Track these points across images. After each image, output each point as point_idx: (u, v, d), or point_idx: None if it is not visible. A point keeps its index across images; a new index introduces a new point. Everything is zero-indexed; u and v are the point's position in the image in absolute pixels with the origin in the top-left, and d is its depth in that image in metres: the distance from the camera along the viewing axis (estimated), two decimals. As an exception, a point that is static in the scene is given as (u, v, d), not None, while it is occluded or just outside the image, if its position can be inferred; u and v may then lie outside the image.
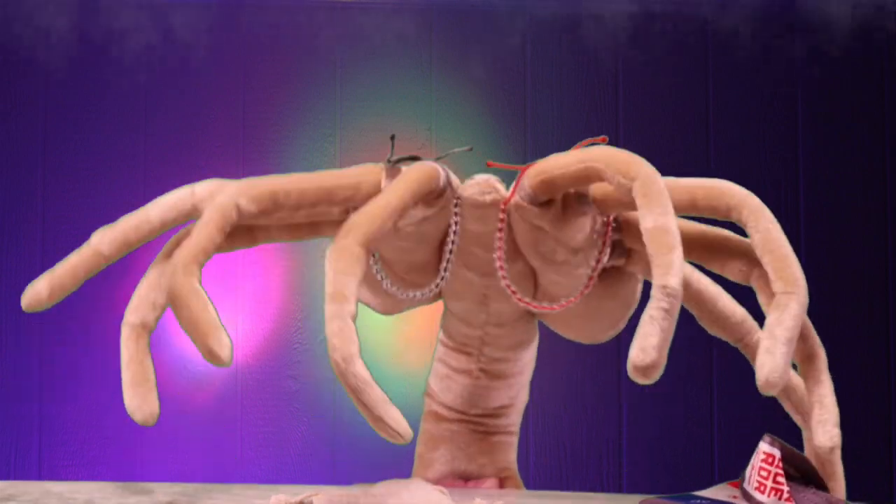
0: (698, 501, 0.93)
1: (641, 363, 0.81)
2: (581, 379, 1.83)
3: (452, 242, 0.99)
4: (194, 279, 0.89)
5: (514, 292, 0.98)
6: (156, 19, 1.87)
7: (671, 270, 0.82)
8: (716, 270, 0.98)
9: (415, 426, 1.19)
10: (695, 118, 1.88)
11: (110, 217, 1.84)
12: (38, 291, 0.97)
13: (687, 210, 0.93)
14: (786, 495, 0.88)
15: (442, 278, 1.00)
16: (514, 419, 1.18)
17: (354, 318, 0.85)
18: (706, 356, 1.81)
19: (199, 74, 1.87)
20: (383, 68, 1.88)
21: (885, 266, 1.87)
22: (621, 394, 1.82)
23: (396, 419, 0.83)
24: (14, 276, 1.83)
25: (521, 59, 1.89)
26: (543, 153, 1.94)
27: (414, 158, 0.98)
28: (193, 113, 1.87)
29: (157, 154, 1.86)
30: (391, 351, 1.81)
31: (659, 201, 0.86)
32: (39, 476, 1.78)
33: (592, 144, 0.97)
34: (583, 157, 0.93)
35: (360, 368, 0.82)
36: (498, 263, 0.97)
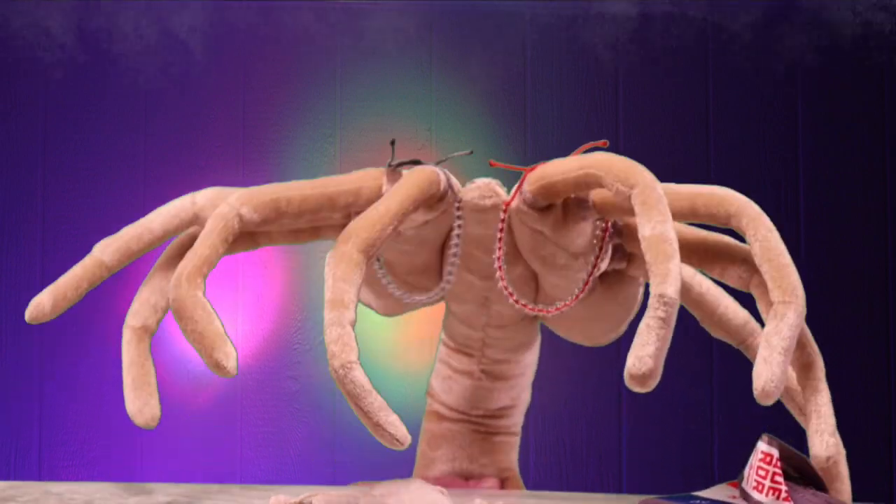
0: (698, 501, 0.93)
1: (638, 372, 0.81)
2: (581, 378, 1.83)
3: (456, 246, 0.99)
4: (199, 291, 0.89)
5: (510, 294, 0.98)
6: (156, 19, 1.87)
7: (668, 279, 0.82)
8: (715, 276, 0.98)
9: (416, 426, 1.20)
10: (695, 118, 1.88)
11: (110, 217, 1.84)
12: (42, 304, 0.97)
13: (687, 217, 0.93)
14: (784, 495, 0.88)
15: (447, 282, 1.00)
16: (516, 419, 1.18)
17: (353, 325, 0.85)
18: (706, 356, 1.81)
19: (199, 74, 1.87)
20: (383, 68, 1.88)
21: (885, 266, 1.87)
22: (621, 393, 1.82)
23: (395, 425, 0.83)
24: (14, 276, 1.83)
25: (521, 59, 1.89)
26: (543, 153, 1.94)
27: (415, 162, 0.98)
28: (193, 113, 1.87)
29: (157, 154, 1.86)
30: (392, 351, 1.81)
31: (657, 209, 0.86)
32: (39, 476, 1.78)
33: (594, 149, 0.97)
34: (583, 163, 0.93)
35: (358, 375, 0.82)
36: (497, 265, 0.97)
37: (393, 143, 1.01)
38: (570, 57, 1.89)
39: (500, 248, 0.97)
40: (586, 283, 0.98)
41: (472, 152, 1.05)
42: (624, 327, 1.05)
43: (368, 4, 1.88)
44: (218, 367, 0.87)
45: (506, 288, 0.97)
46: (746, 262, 0.92)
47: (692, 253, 0.97)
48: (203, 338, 0.87)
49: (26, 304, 0.92)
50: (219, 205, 0.96)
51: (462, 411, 1.15)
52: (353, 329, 0.84)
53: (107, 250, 0.98)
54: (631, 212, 0.89)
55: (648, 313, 0.82)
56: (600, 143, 0.99)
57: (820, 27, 1.89)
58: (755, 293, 0.93)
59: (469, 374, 1.12)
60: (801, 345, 0.89)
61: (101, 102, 1.86)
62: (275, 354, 1.82)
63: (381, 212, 0.90)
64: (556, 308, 0.99)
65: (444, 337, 1.15)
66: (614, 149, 1.96)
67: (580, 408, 1.83)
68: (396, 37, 1.88)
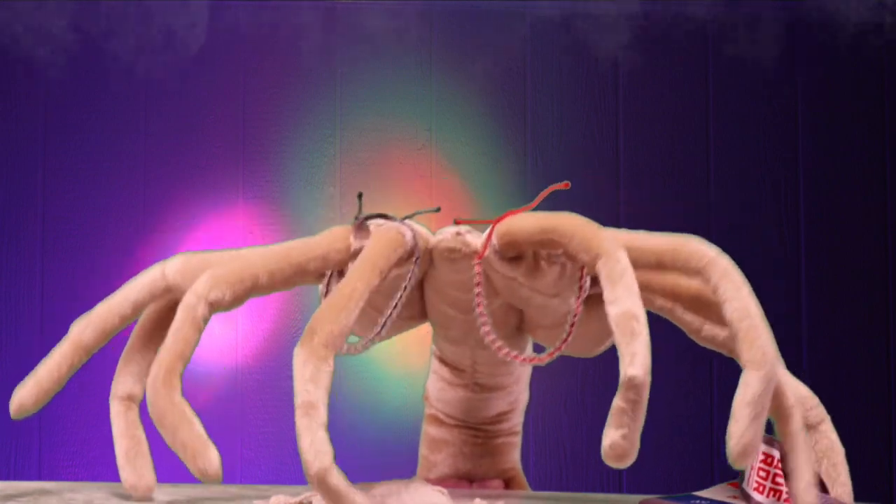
0: (698, 501, 0.93)
1: (613, 455, 0.82)
2: (581, 379, 1.83)
3: (399, 298, 0.97)
4: (175, 394, 0.89)
5: (499, 349, 0.97)
6: (156, 19, 1.87)
7: (636, 360, 0.82)
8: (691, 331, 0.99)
9: (418, 425, 1.20)
10: (695, 118, 1.88)
11: (110, 217, 1.84)
12: (23, 402, 0.97)
13: (654, 270, 0.92)
14: (784, 496, 0.88)
15: (382, 327, 0.99)
16: (516, 420, 1.18)
17: (325, 427, 0.84)
18: (706, 356, 1.81)
19: (199, 74, 1.87)
20: (383, 68, 1.88)
21: (885, 266, 1.87)
22: (621, 394, 1.82)
23: None
24: (14, 276, 1.83)
25: (521, 59, 1.89)
26: (543, 153, 1.94)
27: (382, 216, 0.97)
28: (193, 113, 1.87)
29: (157, 154, 1.86)
30: (391, 352, 1.81)
31: (622, 283, 0.85)
32: (39, 476, 1.78)
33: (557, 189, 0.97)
34: (545, 226, 0.92)
35: (335, 480, 0.82)
36: (481, 320, 0.96)
37: (360, 196, 1.00)
38: (570, 57, 1.89)
39: (480, 305, 0.95)
40: (572, 325, 0.97)
41: (439, 209, 1.04)
42: (610, 341, 1.04)
43: (368, 4, 1.88)
44: (203, 474, 0.87)
45: (493, 342, 0.96)
46: (717, 314, 0.90)
47: (672, 302, 0.97)
48: (185, 447, 0.87)
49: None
50: (188, 276, 0.94)
51: (460, 419, 1.15)
52: (326, 431, 0.84)
53: (85, 332, 0.97)
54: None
55: (620, 395, 0.82)
56: (562, 185, 0.98)
57: (820, 27, 1.89)
58: (728, 346, 0.93)
59: (463, 386, 1.12)
60: (776, 398, 0.88)
61: (101, 102, 1.86)
62: (275, 354, 1.82)
63: (346, 295, 0.88)
64: (549, 355, 0.98)
65: (435, 349, 1.14)
66: (614, 149, 1.96)
67: (580, 409, 1.83)
68: (396, 37, 1.88)
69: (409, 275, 0.96)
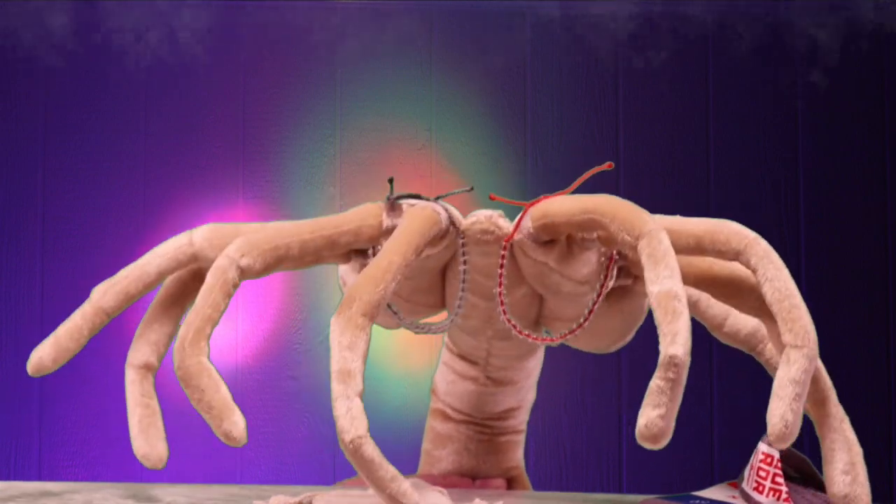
0: (698, 501, 0.93)
1: (649, 433, 0.81)
2: (581, 379, 1.83)
3: (464, 282, 0.97)
4: (203, 357, 0.88)
5: (514, 326, 0.97)
6: (156, 19, 1.87)
7: (678, 339, 0.82)
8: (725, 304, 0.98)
9: (419, 424, 1.20)
10: (695, 118, 1.88)
11: (110, 217, 1.84)
12: (42, 359, 0.97)
13: (692, 254, 0.92)
14: (784, 496, 0.88)
15: (456, 315, 0.99)
16: (522, 418, 1.18)
17: (361, 395, 0.84)
18: (706, 356, 1.81)
19: (199, 74, 1.87)
20: (383, 68, 1.88)
21: (885, 266, 1.87)
22: (621, 394, 1.82)
23: (408, 496, 0.83)
24: (14, 276, 1.83)
25: (521, 59, 1.89)
26: (543, 153, 1.94)
27: (415, 196, 0.97)
28: (193, 113, 1.87)
29: (157, 154, 1.86)
30: (393, 351, 1.81)
31: (664, 262, 0.85)
32: (39, 476, 1.78)
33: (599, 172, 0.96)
34: (586, 206, 0.91)
35: (369, 450, 0.82)
36: (499, 299, 0.96)
37: (391, 180, 0.99)
38: (570, 57, 1.89)
39: (501, 284, 0.95)
40: (591, 311, 0.97)
41: (472, 188, 1.04)
42: (629, 337, 1.04)
43: (368, 4, 1.88)
44: (227, 437, 0.86)
45: (508, 321, 0.96)
46: (758, 298, 0.90)
47: (704, 288, 0.96)
48: (211, 408, 0.87)
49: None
50: (216, 244, 0.94)
51: (467, 413, 1.15)
52: (362, 399, 0.84)
53: (106, 296, 0.97)
54: (636, 257, 0.88)
55: (658, 374, 0.81)
56: (605, 166, 0.98)
57: (820, 27, 1.89)
58: (767, 328, 0.92)
59: (474, 379, 1.12)
60: (814, 381, 0.89)
61: (101, 103, 1.86)
62: (275, 354, 1.82)
63: (383, 267, 0.88)
64: (562, 336, 0.98)
65: (448, 341, 1.14)
66: (614, 149, 1.96)
67: (580, 408, 1.83)
68: (396, 37, 1.88)
69: (462, 255, 0.96)
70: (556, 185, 1.83)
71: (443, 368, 1.15)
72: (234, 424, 0.86)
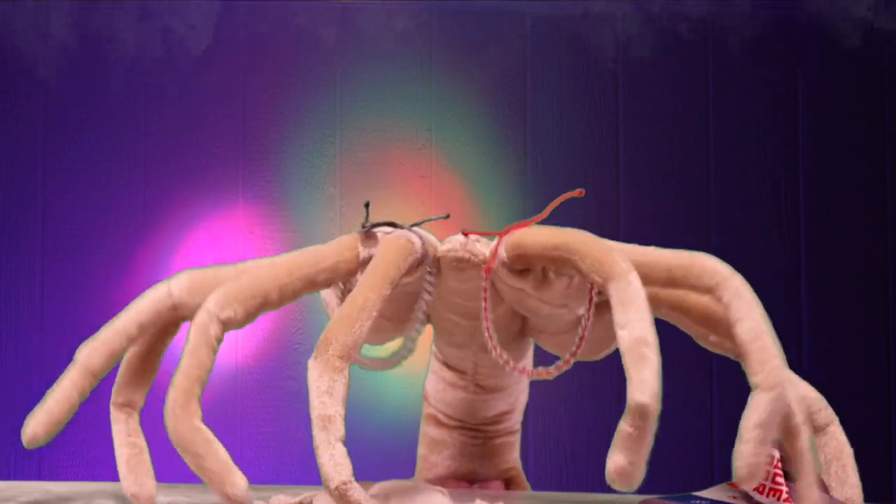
0: (698, 501, 0.93)
1: (619, 479, 0.84)
2: (580, 379, 1.83)
3: (422, 311, 0.97)
4: (196, 420, 0.88)
5: (507, 361, 0.97)
6: (156, 19, 1.87)
7: (645, 387, 0.82)
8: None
9: (415, 427, 1.19)
10: (695, 118, 1.88)
11: (110, 217, 1.84)
12: (37, 433, 0.96)
13: (664, 287, 0.92)
14: (784, 496, 0.88)
15: (407, 349, 0.99)
16: (516, 419, 1.17)
17: (343, 441, 0.83)
18: (706, 356, 1.81)
19: (199, 74, 1.87)
20: (383, 68, 1.88)
21: (885, 266, 1.87)
22: (621, 394, 1.82)
23: None
24: (14, 276, 1.83)
25: (521, 59, 1.89)
26: (543, 153, 1.94)
27: (389, 224, 0.97)
28: (193, 113, 1.87)
29: (157, 154, 1.86)
30: (391, 350, 1.81)
31: (634, 307, 0.85)
32: (39, 476, 1.78)
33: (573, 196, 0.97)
34: (558, 241, 0.91)
35: (355, 495, 0.82)
36: (487, 334, 0.95)
37: (367, 205, 0.99)
38: (570, 57, 1.89)
39: (486, 319, 0.95)
40: (581, 339, 0.96)
41: (448, 216, 1.03)
42: (615, 345, 1.04)
43: (368, 4, 1.88)
44: (228, 498, 0.86)
45: (501, 356, 0.96)
46: (729, 330, 0.89)
47: (678, 317, 0.97)
48: (211, 473, 0.86)
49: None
50: (196, 293, 0.93)
51: (459, 419, 1.14)
52: (344, 444, 0.84)
53: (92, 358, 0.96)
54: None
55: (627, 420, 0.82)
56: (575, 193, 0.97)
57: (820, 27, 1.89)
58: (736, 351, 0.92)
59: (463, 388, 1.12)
60: (784, 417, 0.88)
61: (101, 102, 1.86)
62: (275, 354, 1.82)
63: (358, 305, 0.88)
64: (557, 368, 0.98)
65: (436, 350, 1.14)
66: (614, 149, 1.96)
67: (580, 409, 1.83)
68: (396, 37, 1.88)
69: (428, 285, 0.96)
70: (556, 185, 1.84)
71: (432, 376, 1.15)
72: (235, 486, 0.86)
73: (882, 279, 1.87)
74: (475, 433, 1.15)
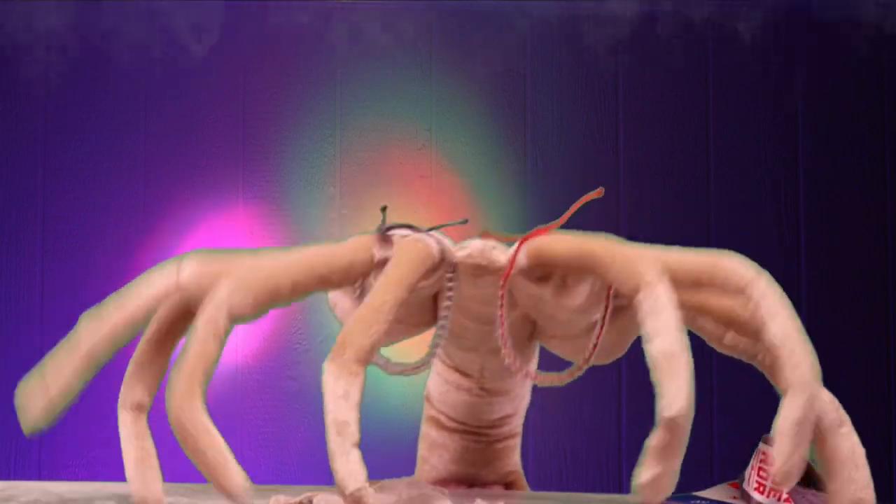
0: (698, 501, 0.93)
1: (650, 492, 0.80)
2: (581, 379, 1.83)
3: (444, 318, 0.96)
4: (198, 409, 0.85)
5: (519, 369, 0.96)
6: (155, 19, 1.87)
7: (677, 400, 0.81)
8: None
9: (416, 427, 1.19)
10: (695, 118, 1.88)
11: (110, 217, 1.84)
12: (38, 422, 0.95)
13: (690, 290, 0.89)
14: (785, 496, 0.88)
15: (431, 355, 0.98)
16: (518, 422, 1.17)
17: (358, 445, 0.83)
18: (706, 357, 1.81)
19: (199, 74, 1.87)
20: (383, 68, 1.88)
21: (885, 266, 1.87)
22: (621, 394, 1.82)
23: None
24: (14, 276, 1.83)
25: (521, 59, 1.89)
26: (543, 153, 1.94)
27: (407, 227, 0.95)
28: (193, 113, 1.87)
29: (157, 154, 1.86)
30: (391, 351, 1.81)
31: (664, 317, 0.83)
32: (39, 476, 1.78)
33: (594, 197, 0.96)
34: (586, 248, 0.89)
35: (371, 501, 0.81)
36: (501, 341, 0.94)
37: (384, 209, 0.97)
38: (570, 57, 1.89)
39: (502, 326, 0.93)
40: (594, 346, 0.95)
41: (466, 221, 1.01)
42: (623, 351, 1.03)
43: (368, 4, 1.88)
44: (224, 490, 0.84)
45: (514, 363, 0.95)
46: (756, 330, 0.88)
47: (702, 318, 0.95)
48: (206, 462, 0.84)
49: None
50: (205, 283, 0.90)
51: (461, 422, 1.14)
52: (359, 450, 0.83)
53: (98, 343, 0.91)
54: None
55: (657, 435, 0.81)
56: (595, 194, 0.96)
57: (820, 27, 1.89)
58: (749, 352, 0.91)
59: (467, 390, 1.11)
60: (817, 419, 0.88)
61: (101, 102, 1.86)
62: (275, 354, 1.82)
63: (375, 309, 0.86)
64: (569, 374, 0.97)
65: (440, 352, 1.13)
66: (614, 149, 1.96)
67: (579, 409, 1.83)
68: (396, 37, 1.88)
69: (449, 291, 0.94)
70: (556, 185, 1.84)
71: (436, 378, 1.15)
72: (230, 479, 0.83)
73: (882, 279, 1.87)
74: (477, 437, 1.15)
